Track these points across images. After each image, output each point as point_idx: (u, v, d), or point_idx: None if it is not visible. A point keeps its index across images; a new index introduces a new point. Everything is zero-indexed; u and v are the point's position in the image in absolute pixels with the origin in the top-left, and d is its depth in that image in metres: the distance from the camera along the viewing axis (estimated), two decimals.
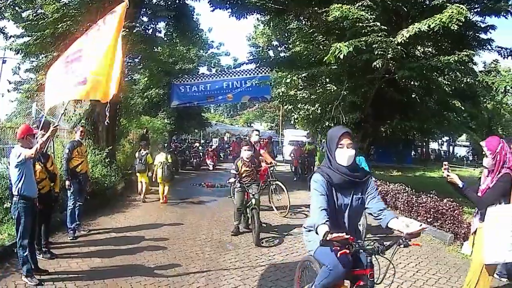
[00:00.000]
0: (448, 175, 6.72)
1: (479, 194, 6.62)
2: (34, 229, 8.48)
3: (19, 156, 7.70)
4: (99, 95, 7.62)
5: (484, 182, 6.62)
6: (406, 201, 14.80)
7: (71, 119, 20.91)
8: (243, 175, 12.71)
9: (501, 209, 6.24)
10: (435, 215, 12.94)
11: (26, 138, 7.97)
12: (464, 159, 65.14)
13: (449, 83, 18.56)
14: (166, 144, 30.58)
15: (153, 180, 18.31)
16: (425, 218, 13.32)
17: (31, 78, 25.17)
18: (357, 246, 4.92)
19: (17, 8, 19.10)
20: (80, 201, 12.03)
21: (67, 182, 11.65)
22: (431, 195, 13.80)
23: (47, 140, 7.87)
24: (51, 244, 10.28)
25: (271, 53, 44.14)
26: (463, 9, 13.52)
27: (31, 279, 7.85)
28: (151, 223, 13.70)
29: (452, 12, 13.43)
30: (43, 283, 7.96)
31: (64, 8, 17.12)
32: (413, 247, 10.86)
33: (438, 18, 13.69)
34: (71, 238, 11.36)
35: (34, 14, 18.20)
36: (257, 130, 16.87)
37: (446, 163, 6.91)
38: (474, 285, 6.46)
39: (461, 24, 13.67)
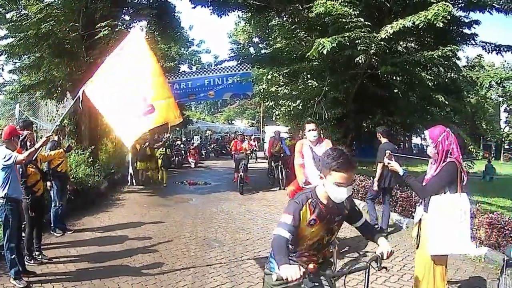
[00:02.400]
0: (388, 163, 6.74)
1: (424, 183, 6.48)
2: (21, 231, 8.45)
3: (9, 158, 7.65)
4: (170, 117, 8.10)
5: (430, 171, 6.50)
6: (391, 196, 14.74)
7: (53, 119, 20.89)
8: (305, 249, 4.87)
9: (446, 198, 6.13)
10: None
11: (12, 140, 7.93)
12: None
13: (432, 78, 18.65)
14: (147, 144, 30.72)
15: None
16: (410, 212, 13.38)
17: (14, 79, 25.10)
18: None
19: (0, 10, 19.02)
20: (62, 201, 12.08)
21: (48, 183, 11.54)
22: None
23: (39, 148, 7.89)
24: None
25: (252, 50, 44.23)
26: (449, 7, 13.59)
27: (20, 282, 7.82)
28: (135, 222, 13.66)
29: (438, 9, 13.49)
30: (31, 285, 7.95)
31: (47, 8, 17.04)
32: (400, 241, 10.95)
33: (423, 15, 13.75)
34: (60, 235, 11.51)
35: (17, 15, 18.14)
36: (312, 122, 10.33)
37: (388, 151, 6.89)
38: (432, 280, 6.30)
39: (446, 21, 13.76)
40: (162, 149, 23.56)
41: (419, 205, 6.81)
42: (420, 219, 6.56)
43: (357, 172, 18.16)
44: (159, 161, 23.01)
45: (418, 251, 6.54)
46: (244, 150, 21.99)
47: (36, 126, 19.81)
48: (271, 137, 25.72)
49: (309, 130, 9.97)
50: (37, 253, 9.52)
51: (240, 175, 20.62)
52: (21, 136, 8.64)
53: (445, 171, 6.15)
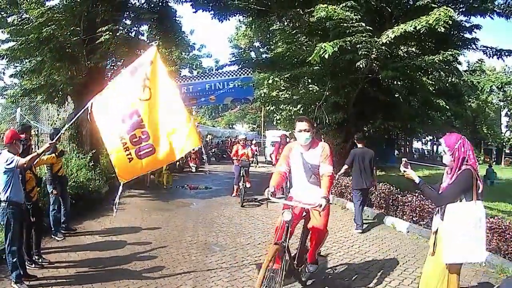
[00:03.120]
0: (404, 171, 6.59)
1: (440, 191, 6.43)
2: (22, 235, 8.42)
3: (11, 162, 7.66)
4: (170, 158, 8.49)
5: (446, 180, 6.45)
6: (391, 200, 14.95)
7: (54, 123, 20.91)
8: None
9: (462, 206, 6.06)
10: (421, 214, 13.06)
11: (14, 143, 7.95)
12: None
13: (433, 82, 18.66)
14: None
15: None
16: (411, 217, 13.44)
17: (16, 84, 25.12)
18: None
19: (2, 13, 19.02)
20: (66, 204, 12.27)
21: (54, 191, 11.73)
22: (416, 194, 13.83)
23: (41, 153, 7.91)
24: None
25: (253, 54, 44.30)
26: (450, 11, 13.59)
27: (21, 285, 7.83)
28: (136, 226, 13.63)
29: (439, 14, 13.49)
30: None
31: (48, 12, 17.05)
32: (400, 245, 10.94)
33: (425, 20, 13.76)
34: (61, 239, 11.53)
35: (19, 19, 18.12)
36: (304, 120, 8.07)
37: (405, 159, 6.82)
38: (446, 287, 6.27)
39: (447, 26, 13.76)
40: None
41: (435, 214, 6.73)
42: (437, 228, 6.50)
43: None
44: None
45: (433, 258, 6.47)
46: (247, 157, 19.94)
47: (37, 130, 19.85)
48: (276, 141, 24.15)
49: (300, 131, 7.97)
50: (36, 257, 9.50)
51: (243, 184, 18.51)
52: (23, 140, 8.69)
53: (461, 179, 6.11)
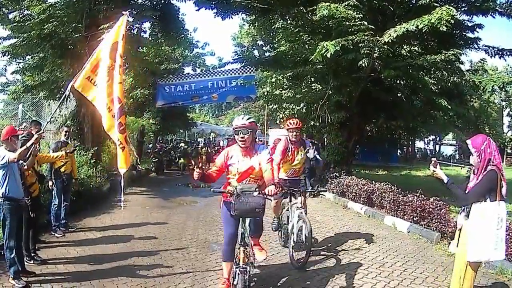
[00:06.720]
0: (434, 171, 6.78)
1: (467, 191, 6.57)
2: (21, 231, 8.41)
3: (3, 158, 7.65)
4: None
5: (472, 180, 6.58)
6: (392, 200, 14.87)
7: (56, 120, 20.90)
8: None
9: (486, 206, 6.25)
10: (422, 214, 12.97)
11: (10, 140, 7.93)
12: (451, 157, 65.36)
13: (435, 82, 18.64)
14: (151, 145, 32.88)
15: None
16: (412, 217, 13.37)
17: (18, 80, 25.15)
18: None
19: (4, 10, 19.01)
20: (66, 201, 12.22)
21: (50, 183, 11.79)
22: (417, 194, 13.83)
23: (30, 146, 7.85)
24: (40, 243, 10.36)
25: (256, 52, 44.25)
26: (452, 11, 13.57)
27: (19, 281, 7.78)
28: (136, 223, 13.63)
29: (442, 13, 13.47)
30: (30, 285, 7.90)
31: (50, 8, 17.08)
32: (400, 246, 10.89)
33: (427, 19, 13.73)
34: (60, 235, 11.54)
35: (20, 16, 18.13)
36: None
37: (434, 159, 6.91)
38: (461, 283, 6.48)
39: (449, 25, 13.73)
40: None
41: (460, 213, 6.94)
42: (461, 226, 6.73)
43: (360, 176, 18.10)
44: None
45: (457, 254, 6.82)
46: (256, 180, 7.69)
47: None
48: (277, 139, 13.60)
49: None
50: (32, 254, 9.46)
51: (243, 267, 6.93)
52: (21, 136, 8.69)
53: (486, 179, 6.28)
